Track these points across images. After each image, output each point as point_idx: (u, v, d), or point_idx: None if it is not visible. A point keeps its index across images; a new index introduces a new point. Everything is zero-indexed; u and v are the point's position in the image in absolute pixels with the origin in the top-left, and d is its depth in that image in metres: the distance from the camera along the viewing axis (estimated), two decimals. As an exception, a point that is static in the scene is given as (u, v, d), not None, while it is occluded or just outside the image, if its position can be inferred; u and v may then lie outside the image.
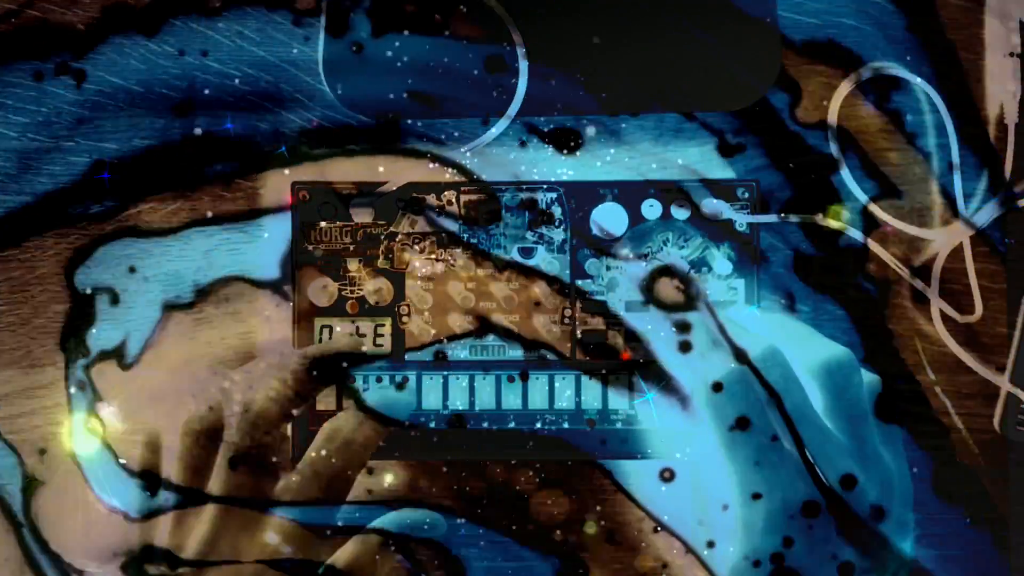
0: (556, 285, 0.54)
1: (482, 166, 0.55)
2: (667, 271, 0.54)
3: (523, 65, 0.55)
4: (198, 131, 0.55)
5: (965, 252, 0.55)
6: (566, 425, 0.54)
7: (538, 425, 0.54)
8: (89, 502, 0.54)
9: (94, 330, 0.54)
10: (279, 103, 0.55)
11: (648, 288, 0.54)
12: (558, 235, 0.54)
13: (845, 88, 0.55)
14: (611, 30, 0.55)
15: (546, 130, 0.55)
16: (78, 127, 0.55)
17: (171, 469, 0.52)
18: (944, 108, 0.55)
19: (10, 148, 0.55)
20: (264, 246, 0.55)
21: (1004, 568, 0.55)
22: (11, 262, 0.55)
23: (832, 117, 0.55)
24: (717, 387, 0.50)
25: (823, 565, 0.50)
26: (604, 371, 0.54)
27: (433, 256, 0.55)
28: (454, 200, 0.54)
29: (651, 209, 0.54)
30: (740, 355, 0.50)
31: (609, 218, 0.54)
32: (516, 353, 0.54)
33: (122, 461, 0.53)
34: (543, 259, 0.54)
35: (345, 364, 0.53)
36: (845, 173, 0.55)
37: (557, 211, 0.54)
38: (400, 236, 0.54)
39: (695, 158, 0.55)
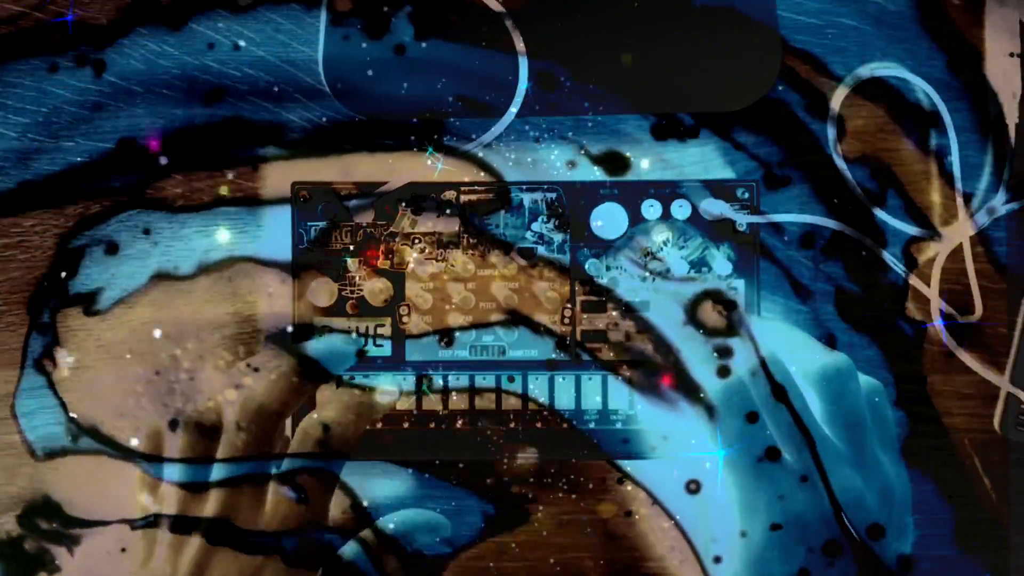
0: (556, 285, 0.54)
1: (487, 164, 0.55)
2: (712, 295, 0.54)
3: (523, 63, 0.55)
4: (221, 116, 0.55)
5: (965, 252, 0.55)
6: (571, 425, 0.54)
7: (538, 425, 0.54)
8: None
9: (77, 279, 0.55)
10: (279, 100, 0.55)
11: (691, 311, 0.54)
12: (557, 236, 0.54)
13: (843, 90, 0.55)
14: (638, 45, 0.55)
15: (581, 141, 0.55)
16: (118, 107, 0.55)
17: (108, 420, 0.54)
18: (944, 108, 0.55)
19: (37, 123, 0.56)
20: (278, 232, 0.55)
21: (1004, 568, 0.55)
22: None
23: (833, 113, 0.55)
24: (752, 417, 0.50)
25: None
26: (603, 372, 0.54)
27: (433, 256, 0.55)
28: (454, 200, 0.54)
29: (651, 209, 0.54)
30: (778, 391, 0.51)
31: (609, 218, 0.54)
32: (516, 353, 0.54)
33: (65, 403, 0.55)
34: (543, 259, 0.54)
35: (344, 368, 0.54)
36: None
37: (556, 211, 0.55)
38: (400, 236, 0.55)
39: (695, 158, 0.55)
